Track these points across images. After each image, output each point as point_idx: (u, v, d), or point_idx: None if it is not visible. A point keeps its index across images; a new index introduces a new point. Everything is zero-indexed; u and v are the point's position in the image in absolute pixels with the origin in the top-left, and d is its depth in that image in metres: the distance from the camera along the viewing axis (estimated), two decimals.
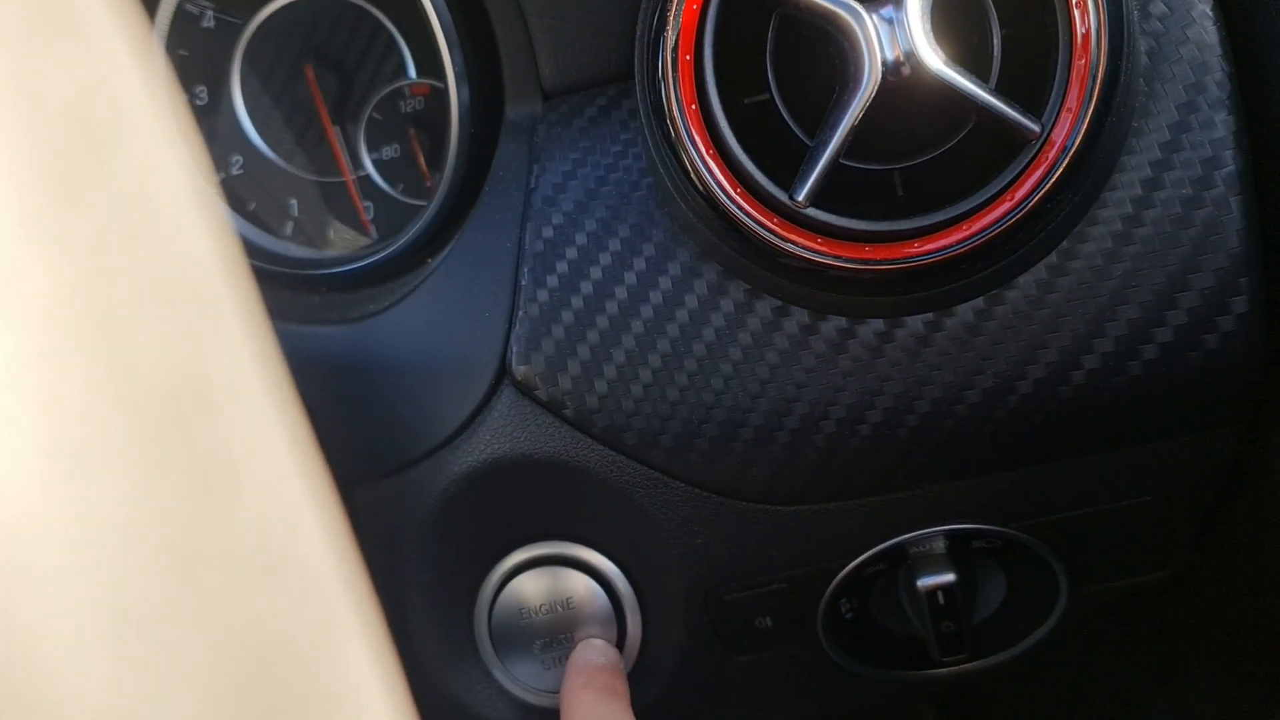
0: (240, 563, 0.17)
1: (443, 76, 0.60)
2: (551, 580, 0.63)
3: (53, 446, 0.16)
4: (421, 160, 0.66)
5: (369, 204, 0.66)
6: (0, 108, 0.15)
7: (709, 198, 0.50)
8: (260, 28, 0.65)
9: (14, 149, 0.15)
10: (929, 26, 0.47)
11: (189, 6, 0.64)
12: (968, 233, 0.49)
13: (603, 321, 0.55)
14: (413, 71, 0.65)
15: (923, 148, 0.52)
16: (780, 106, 0.52)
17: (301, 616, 0.18)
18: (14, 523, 0.15)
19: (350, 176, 0.66)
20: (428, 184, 0.65)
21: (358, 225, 0.67)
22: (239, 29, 0.65)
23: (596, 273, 0.55)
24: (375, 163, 0.66)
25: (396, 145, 0.66)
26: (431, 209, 0.61)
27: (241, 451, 0.18)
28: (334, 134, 0.66)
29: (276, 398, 0.18)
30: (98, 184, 0.16)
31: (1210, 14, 0.51)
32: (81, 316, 0.16)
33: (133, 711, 0.16)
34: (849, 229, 0.49)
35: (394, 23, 0.65)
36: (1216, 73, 0.50)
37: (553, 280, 0.55)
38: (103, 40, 0.17)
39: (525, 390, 0.56)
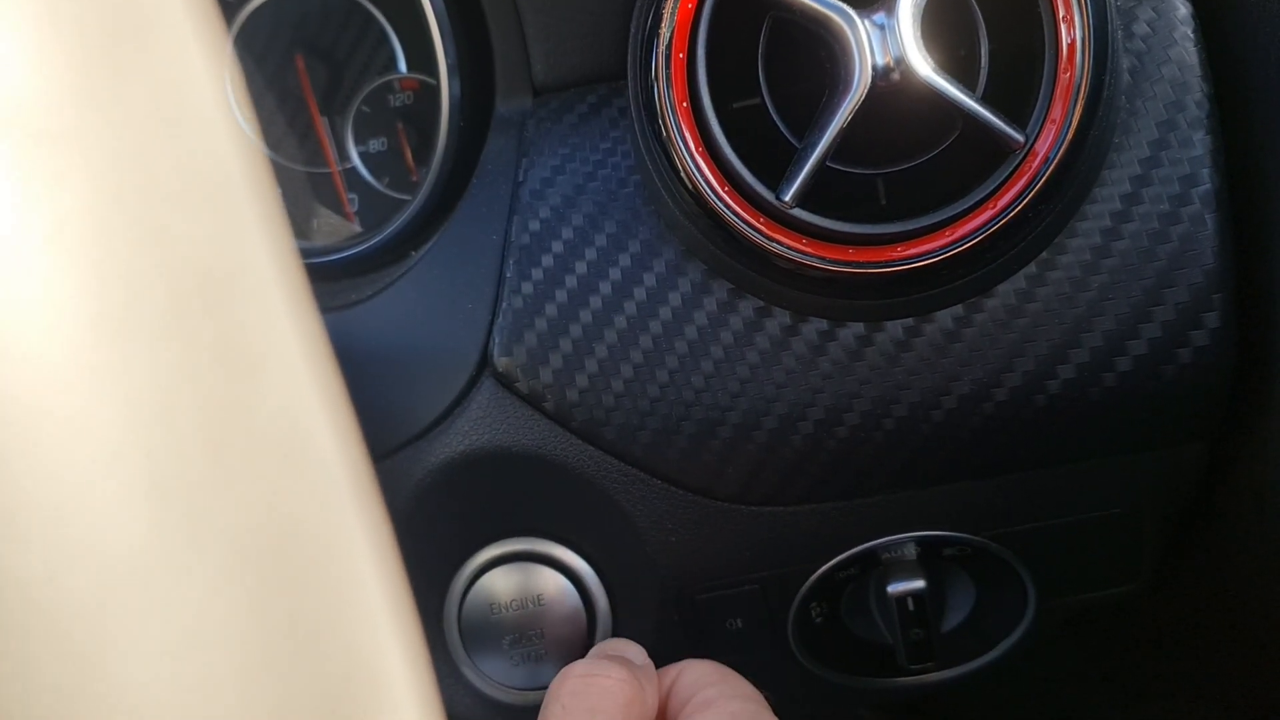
0: (262, 448, 0.18)
1: (433, 71, 0.60)
2: (523, 576, 0.63)
3: (98, 306, 0.16)
4: (408, 154, 0.66)
5: (354, 196, 0.67)
6: None
7: (697, 196, 0.51)
8: (252, 15, 0.65)
9: (69, 24, 0.16)
10: (919, 34, 0.47)
11: None
12: (950, 239, 0.49)
13: (586, 316, 0.55)
14: (403, 65, 0.66)
15: (908, 154, 0.52)
16: (770, 108, 0.53)
17: (315, 509, 0.19)
18: (60, 375, 0.16)
19: (336, 168, 0.66)
20: (413, 179, 0.66)
21: (342, 216, 0.67)
22: (230, 15, 0.65)
23: (581, 268, 0.55)
24: (362, 155, 0.66)
25: (384, 139, 0.66)
26: (418, 201, 0.61)
27: (265, 344, 0.18)
28: (322, 125, 0.66)
29: (296, 300, 0.19)
30: (144, 68, 0.17)
31: (1192, 35, 0.52)
32: (126, 186, 0.16)
33: (163, 568, 0.17)
34: (834, 231, 0.50)
35: (386, 16, 0.65)
36: (1196, 93, 0.51)
37: (537, 274, 0.56)
38: None
39: (506, 383, 0.56)
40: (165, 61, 0.17)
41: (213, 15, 0.18)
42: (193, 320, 0.17)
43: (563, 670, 0.51)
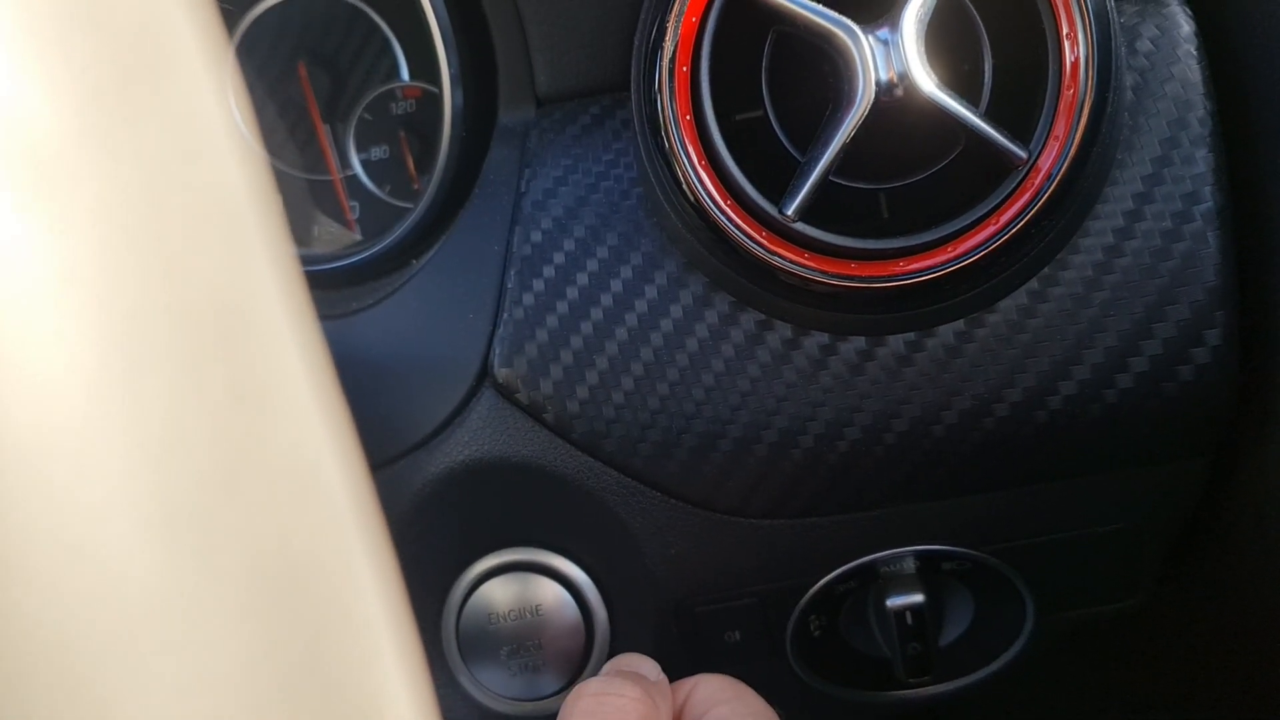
0: (273, 482, 0.18)
1: (436, 80, 0.60)
2: (521, 587, 0.63)
3: (109, 342, 0.16)
4: (410, 163, 0.66)
5: (355, 204, 0.67)
6: (71, 25, 0.16)
7: (699, 209, 0.51)
8: (255, 23, 0.65)
9: (82, 60, 0.16)
10: (923, 50, 0.47)
11: None
12: (952, 254, 0.49)
13: (587, 328, 0.55)
14: (405, 74, 0.66)
15: (911, 169, 0.52)
16: (773, 122, 0.53)
17: (324, 543, 0.19)
18: (74, 411, 0.16)
19: (338, 176, 0.66)
20: (415, 187, 0.66)
21: (343, 224, 0.67)
22: (233, 23, 0.65)
23: (583, 279, 0.55)
24: (363, 163, 0.66)
25: (386, 146, 0.66)
26: (419, 210, 0.61)
27: (275, 377, 0.18)
28: (324, 133, 0.66)
29: (305, 332, 0.19)
30: (156, 104, 0.17)
31: (1194, 52, 0.52)
32: (138, 221, 0.16)
33: (175, 600, 0.17)
34: (836, 245, 0.50)
35: (389, 24, 0.65)
36: (1199, 110, 0.51)
37: (539, 285, 0.56)
38: None
39: (506, 393, 0.56)
40: (177, 95, 0.17)
41: (223, 49, 0.18)
42: (204, 355, 0.17)
43: (576, 688, 0.51)
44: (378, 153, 0.66)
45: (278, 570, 0.18)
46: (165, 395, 0.17)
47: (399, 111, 0.66)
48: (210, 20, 0.18)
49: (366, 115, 0.66)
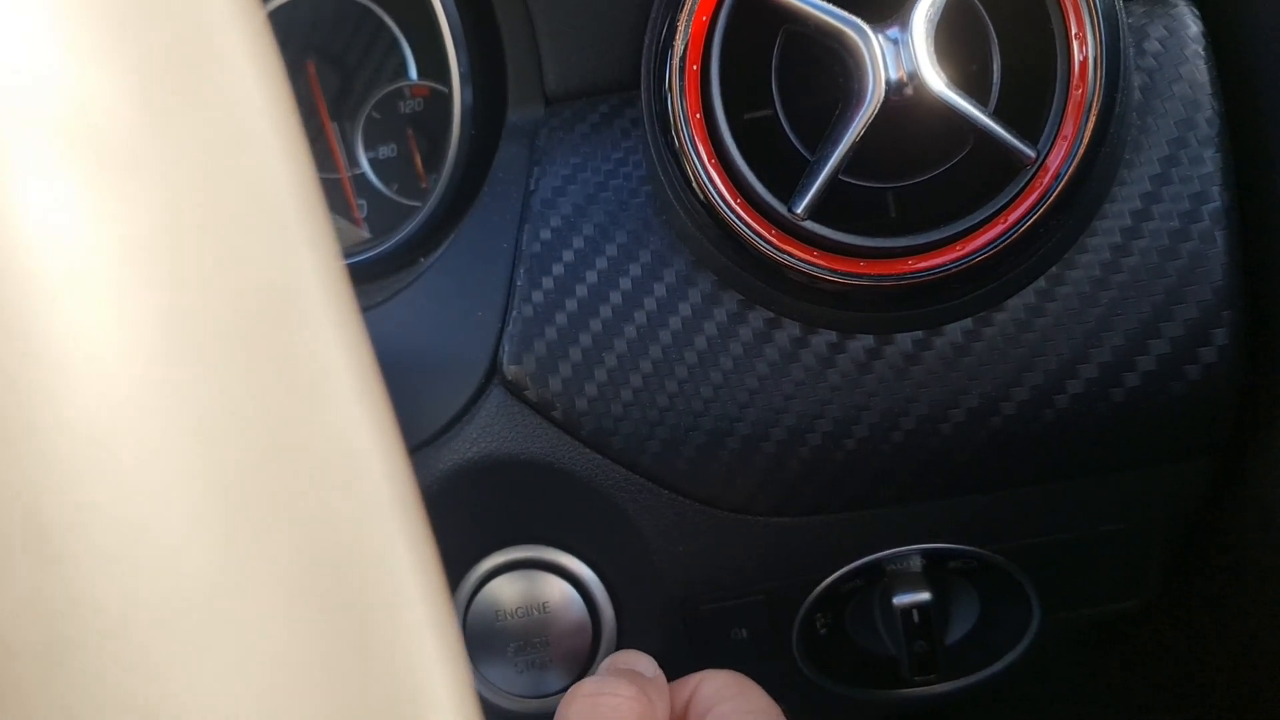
0: (325, 470, 0.18)
1: (445, 78, 0.60)
2: (528, 584, 0.63)
3: (168, 323, 0.16)
4: (418, 161, 0.66)
5: (363, 202, 0.67)
6: (133, 11, 0.16)
7: (708, 207, 0.51)
8: None
9: (139, 49, 0.16)
10: (932, 49, 0.48)
11: None
12: (960, 253, 0.50)
13: (596, 325, 0.55)
14: (414, 72, 0.66)
15: (920, 168, 0.53)
16: (783, 120, 0.53)
17: (370, 525, 0.19)
18: (136, 392, 0.16)
19: (345, 174, 0.67)
20: (423, 185, 0.66)
21: (351, 222, 0.67)
22: None
23: (592, 277, 0.55)
24: (371, 161, 0.66)
25: (394, 145, 0.66)
26: (428, 208, 0.61)
27: (323, 362, 0.18)
28: (332, 131, 0.67)
29: (351, 318, 0.19)
30: (214, 91, 0.17)
31: (1203, 53, 0.52)
32: (195, 208, 0.17)
33: (229, 581, 0.17)
34: (845, 243, 0.50)
35: (397, 23, 0.65)
36: (1207, 110, 0.51)
37: (548, 282, 0.56)
38: None
39: (515, 390, 0.57)
40: (228, 83, 0.17)
41: (270, 37, 0.19)
42: (257, 338, 0.17)
43: (571, 689, 0.51)
44: (385, 151, 0.66)
45: (325, 550, 0.18)
46: (221, 378, 0.17)
47: (407, 110, 0.66)
48: (257, 8, 0.19)
49: (374, 114, 0.66)
